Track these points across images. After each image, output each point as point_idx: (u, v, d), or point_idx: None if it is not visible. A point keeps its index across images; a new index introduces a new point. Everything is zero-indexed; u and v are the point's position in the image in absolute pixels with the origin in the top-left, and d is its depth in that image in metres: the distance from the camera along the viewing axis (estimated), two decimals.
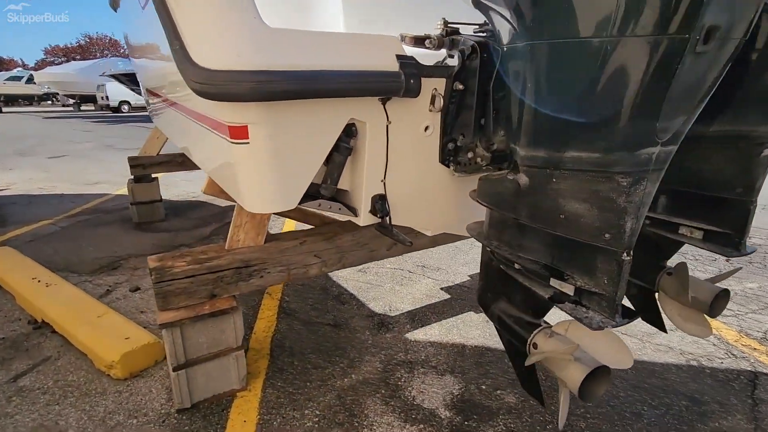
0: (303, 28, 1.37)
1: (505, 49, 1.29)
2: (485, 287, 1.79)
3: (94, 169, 8.59)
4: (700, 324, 1.89)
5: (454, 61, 1.56)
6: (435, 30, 1.56)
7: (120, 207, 5.75)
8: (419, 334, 2.76)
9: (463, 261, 3.98)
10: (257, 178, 1.47)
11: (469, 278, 3.59)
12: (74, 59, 43.00)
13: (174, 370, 2.00)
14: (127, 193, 5.21)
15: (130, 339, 2.47)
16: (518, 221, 1.41)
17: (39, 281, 3.20)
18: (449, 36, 1.53)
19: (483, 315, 3.00)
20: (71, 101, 28.51)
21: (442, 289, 3.40)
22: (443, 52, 1.57)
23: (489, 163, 1.58)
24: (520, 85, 1.24)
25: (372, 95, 1.45)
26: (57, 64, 38.09)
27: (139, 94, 24.24)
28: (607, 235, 1.16)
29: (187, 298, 2.02)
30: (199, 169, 5.67)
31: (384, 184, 1.65)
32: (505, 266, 1.54)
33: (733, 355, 2.60)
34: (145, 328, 2.80)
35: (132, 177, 5.00)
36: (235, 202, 2.24)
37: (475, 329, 2.82)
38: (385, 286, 3.44)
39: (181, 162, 5.22)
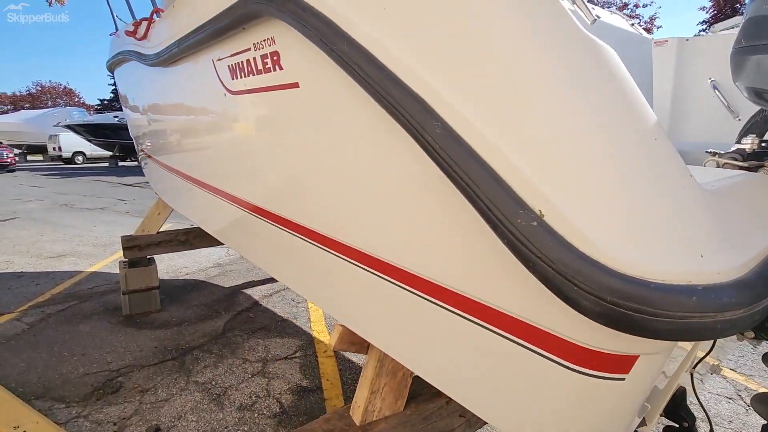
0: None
1: None
2: None
3: (53, 236, 7.41)
4: None
5: None
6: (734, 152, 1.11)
7: (99, 291, 4.78)
8: None
9: None
10: (605, 422, 0.88)
11: None
12: (24, 108, 40.99)
13: None
14: (103, 270, 4.33)
15: None
16: None
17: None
18: None
19: None
20: (17, 151, 26.68)
21: None
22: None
23: None
24: None
25: None
26: (3, 113, 36.21)
27: (99, 145, 23.11)
28: None
29: None
30: (205, 247, 4.83)
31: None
32: None
33: None
34: None
35: (125, 260, 4.17)
36: (361, 352, 1.62)
37: None
38: None
39: (184, 241, 4.47)
